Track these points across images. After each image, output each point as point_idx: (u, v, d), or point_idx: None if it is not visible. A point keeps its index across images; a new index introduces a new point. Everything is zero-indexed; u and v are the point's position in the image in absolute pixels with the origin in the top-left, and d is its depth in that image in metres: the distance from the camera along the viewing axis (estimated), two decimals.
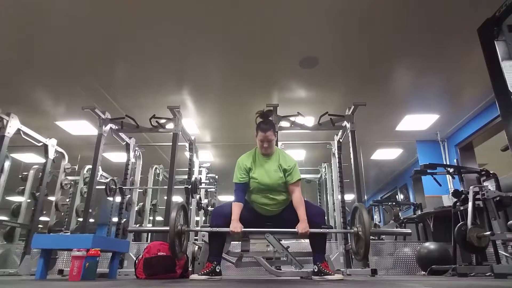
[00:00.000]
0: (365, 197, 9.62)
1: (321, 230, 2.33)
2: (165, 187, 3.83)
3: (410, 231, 2.61)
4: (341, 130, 3.94)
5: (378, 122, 5.56)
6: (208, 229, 2.39)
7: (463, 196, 3.43)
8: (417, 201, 6.58)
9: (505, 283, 2.00)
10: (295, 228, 2.28)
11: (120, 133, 4.05)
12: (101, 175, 4.90)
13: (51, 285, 1.86)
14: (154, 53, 3.88)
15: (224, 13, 3.28)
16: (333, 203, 4.85)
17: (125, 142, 4.23)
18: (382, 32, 3.53)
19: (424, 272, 3.81)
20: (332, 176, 4.88)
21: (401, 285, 1.72)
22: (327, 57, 3.96)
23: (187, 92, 4.74)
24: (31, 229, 4.16)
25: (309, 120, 4.76)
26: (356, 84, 4.51)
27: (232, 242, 2.65)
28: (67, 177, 4.97)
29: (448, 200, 5.21)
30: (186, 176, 4.19)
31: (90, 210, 3.52)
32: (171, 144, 3.67)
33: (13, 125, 3.90)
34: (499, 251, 3.04)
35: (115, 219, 4.34)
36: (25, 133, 4.10)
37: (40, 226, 4.83)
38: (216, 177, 6.52)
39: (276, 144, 3.00)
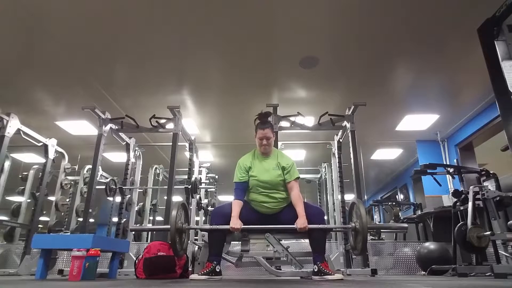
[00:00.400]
0: (365, 197, 9.62)
1: (319, 226, 2.36)
2: (165, 187, 3.83)
3: (407, 225, 2.62)
4: (341, 130, 3.94)
5: (378, 122, 5.56)
6: (208, 226, 2.42)
7: (463, 196, 3.42)
8: (417, 201, 6.58)
9: (505, 283, 2.00)
10: (294, 228, 2.29)
11: (120, 133, 4.05)
12: (101, 175, 4.91)
13: (51, 285, 1.86)
14: (154, 53, 3.88)
15: (224, 13, 3.28)
16: (333, 203, 4.85)
17: (125, 142, 4.23)
18: (382, 32, 3.53)
19: (424, 272, 3.81)
20: (332, 176, 4.88)
21: (401, 285, 1.72)
22: (327, 57, 3.96)
23: (187, 92, 4.74)
24: (31, 229, 4.16)
25: (309, 120, 4.75)
26: (356, 84, 4.51)
27: (232, 242, 2.65)
28: (67, 177, 4.97)
29: (448, 200, 5.21)
30: (186, 176, 4.20)
31: (90, 210, 3.52)
32: (171, 144, 3.67)
33: (13, 125, 3.90)
34: (499, 251, 3.04)
35: (115, 219, 4.34)
36: (25, 133, 4.10)
37: (40, 226, 4.83)
38: (216, 177, 6.53)
39: (276, 145, 3.02)
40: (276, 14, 3.30)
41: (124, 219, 4.04)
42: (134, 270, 2.79)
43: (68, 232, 4.64)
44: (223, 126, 5.80)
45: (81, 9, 3.19)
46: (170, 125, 3.84)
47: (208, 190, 6.14)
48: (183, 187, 3.96)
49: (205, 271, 2.29)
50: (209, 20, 3.38)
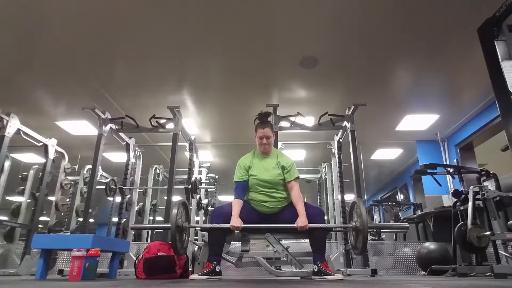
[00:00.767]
0: (365, 197, 9.61)
1: (319, 225, 2.36)
2: (165, 187, 3.83)
3: (407, 225, 2.62)
4: (341, 130, 3.94)
5: (378, 122, 5.56)
6: (209, 225, 2.43)
7: (463, 196, 3.43)
8: (417, 201, 6.58)
9: (505, 283, 2.00)
10: (295, 228, 2.29)
11: (120, 133, 4.05)
12: (101, 175, 4.90)
13: (51, 285, 1.86)
14: (154, 53, 3.88)
15: (224, 13, 3.28)
16: (333, 203, 4.85)
17: (125, 142, 4.23)
18: (382, 32, 3.53)
19: (424, 272, 3.81)
20: (332, 176, 4.88)
21: (401, 285, 1.72)
22: (327, 57, 3.96)
23: (187, 92, 4.74)
24: (31, 229, 4.16)
25: (309, 120, 4.76)
26: (356, 84, 4.51)
27: (232, 242, 2.66)
28: (67, 177, 4.97)
29: (448, 200, 5.21)
30: (186, 176, 4.19)
31: (90, 210, 3.52)
32: (171, 144, 3.67)
33: (13, 125, 3.90)
34: (499, 251, 3.04)
35: (115, 219, 4.34)
36: (25, 133, 4.10)
37: (40, 226, 4.83)
38: (216, 177, 6.53)
39: (276, 145, 3.02)
40: (276, 14, 3.30)
41: (124, 219, 4.04)
42: (134, 270, 2.79)
43: (68, 232, 4.64)
44: (223, 126, 5.80)
45: (81, 9, 3.19)
46: (170, 125, 3.84)
47: (208, 190, 6.15)
48: (183, 187, 3.96)
49: (205, 271, 2.29)
50: (209, 20, 3.38)
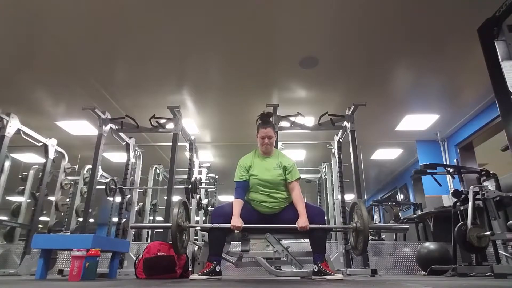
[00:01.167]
0: (365, 197, 9.62)
1: (320, 226, 2.36)
2: (165, 187, 3.83)
3: (407, 226, 2.62)
4: (341, 130, 3.94)
5: (378, 122, 5.56)
6: (209, 225, 2.43)
7: (463, 196, 3.43)
8: (417, 201, 6.58)
9: (505, 283, 2.00)
10: (294, 228, 2.30)
11: (120, 133, 4.05)
12: (101, 175, 4.91)
13: (51, 285, 1.86)
14: (154, 53, 3.88)
15: (224, 13, 3.28)
16: (333, 203, 4.85)
17: (125, 142, 4.23)
18: (382, 32, 3.53)
19: (424, 272, 3.81)
20: (332, 176, 4.88)
21: (401, 285, 1.72)
22: (327, 57, 3.96)
23: (187, 92, 4.74)
24: (31, 229, 4.16)
25: (309, 120, 4.76)
26: (356, 84, 4.51)
27: (232, 242, 2.66)
28: (67, 177, 4.98)
29: (448, 200, 5.21)
30: (186, 176, 4.19)
31: (90, 210, 3.53)
32: (171, 144, 3.67)
33: (13, 125, 3.90)
34: (499, 251, 3.04)
35: (115, 219, 4.34)
36: (25, 133, 4.10)
37: (40, 226, 4.83)
38: (216, 177, 6.53)
39: (276, 145, 3.01)
40: (276, 14, 3.30)
41: (124, 219, 4.04)
42: (134, 270, 2.78)
43: (68, 232, 4.64)
44: (223, 126, 5.80)
45: (82, 9, 3.19)
46: (170, 125, 3.84)
47: (208, 190, 6.15)
48: (183, 187, 3.96)
49: (205, 271, 2.29)
50: (209, 20, 3.38)
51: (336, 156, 4.10)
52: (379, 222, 8.94)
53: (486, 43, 2.34)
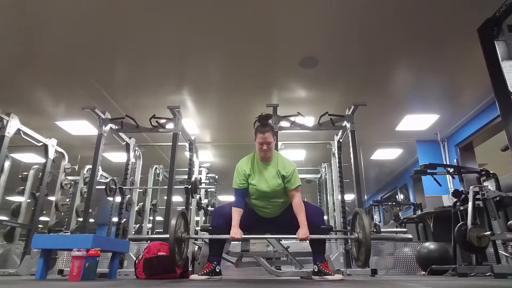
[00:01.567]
0: (365, 197, 9.62)
1: (321, 236, 2.33)
2: (165, 187, 3.83)
3: (411, 236, 2.62)
4: (341, 130, 3.94)
5: (378, 122, 5.56)
6: (208, 236, 2.40)
7: (463, 196, 3.42)
8: (417, 201, 6.58)
9: (505, 283, 2.00)
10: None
11: (120, 133, 4.05)
12: (101, 175, 4.91)
13: (51, 285, 1.86)
14: (154, 53, 3.88)
15: (224, 13, 3.28)
16: (333, 203, 4.85)
17: (125, 142, 4.23)
18: (382, 32, 3.53)
19: (424, 272, 3.81)
20: (332, 176, 4.88)
21: (401, 285, 1.72)
22: (327, 57, 3.96)
23: (187, 92, 4.74)
24: (31, 229, 4.16)
25: (309, 120, 4.76)
26: (356, 84, 4.51)
27: (232, 242, 2.65)
28: (67, 177, 4.97)
29: (448, 200, 5.21)
30: (186, 176, 4.19)
31: (90, 210, 3.52)
32: (171, 144, 3.67)
33: (13, 125, 3.90)
34: (499, 251, 3.04)
35: (115, 219, 4.34)
36: (25, 133, 4.10)
37: (40, 226, 4.83)
38: (216, 177, 6.53)
39: (276, 145, 3.00)
40: (276, 14, 3.30)
41: (124, 219, 4.04)
42: (134, 270, 2.78)
43: (68, 232, 4.64)
44: (223, 126, 5.80)
45: (81, 9, 3.19)
46: (170, 125, 3.84)
47: (208, 190, 6.15)
48: (183, 187, 3.96)
49: (205, 271, 2.29)
50: (209, 20, 3.38)
51: (336, 156, 4.10)
52: (379, 222, 8.94)
53: (486, 43, 2.34)
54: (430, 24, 3.39)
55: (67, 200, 5.03)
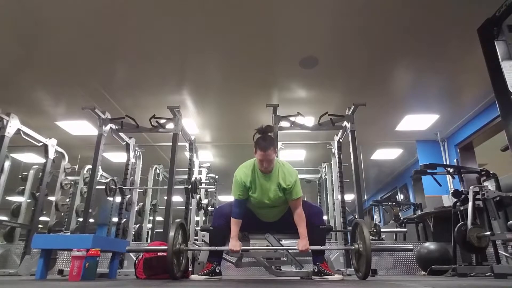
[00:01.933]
0: (365, 197, 9.62)
1: (322, 247, 2.32)
2: (165, 187, 3.83)
3: (412, 247, 2.62)
4: (341, 130, 3.94)
5: (378, 122, 5.56)
6: (207, 247, 2.39)
7: (463, 196, 3.42)
8: (417, 201, 6.58)
9: (505, 283, 2.00)
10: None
11: (120, 133, 4.05)
12: (101, 175, 4.91)
13: (51, 285, 1.86)
14: (154, 53, 3.88)
15: (224, 13, 3.27)
16: (333, 203, 4.85)
17: (125, 142, 4.23)
18: (382, 32, 3.53)
19: (424, 272, 3.81)
20: (332, 176, 4.88)
21: (401, 285, 1.72)
22: (327, 57, 3.96)
23: (187, 92, 4.74)
24: (31, 229, 4.15)
25: (309, 120, 4.76)
26: (356, 84, 4.51)
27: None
28: (67, 177, 4.97)
29: (448, 200, 5.21)
30: (186, 176, 4.19)
31: (90, 210, 3.52)
32: (171, 144, 3.67)
33: (13, 125, 3.89)
34: (499, 251, 3.04)
35: (115, 219, 4.33)
36: (25, 133, 4.10)
37: (40, 226, 4.83)
38: (216, 177, 6.52)
39: (276, 146, 2.98)
40: (276, 14, 3.30)
41: (124, 219, 4.04)
42: (134, 270, 2.79)
43: (68, 232, 4.64)
44: (223, 126, 5.80)
45: (82, 9, 3.19)
46: (170, 125, 3.84)
47: (208, 190, 6.14)
48: (183, 187, 3.96)
49: (205, 272, 2.29)
50: (209, 20, 3.38)
51: (336, 156, 4.10)
52: (379, 222, 8.94)
53: (486, 43, 2.34)
54: (430, 24, 3.39)
55: (67, 200, 5.03)
